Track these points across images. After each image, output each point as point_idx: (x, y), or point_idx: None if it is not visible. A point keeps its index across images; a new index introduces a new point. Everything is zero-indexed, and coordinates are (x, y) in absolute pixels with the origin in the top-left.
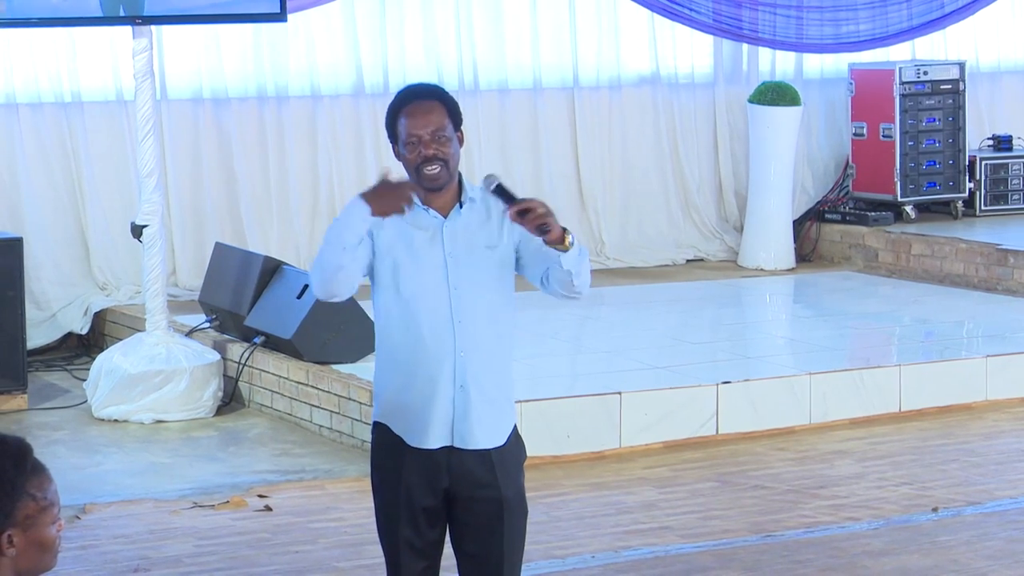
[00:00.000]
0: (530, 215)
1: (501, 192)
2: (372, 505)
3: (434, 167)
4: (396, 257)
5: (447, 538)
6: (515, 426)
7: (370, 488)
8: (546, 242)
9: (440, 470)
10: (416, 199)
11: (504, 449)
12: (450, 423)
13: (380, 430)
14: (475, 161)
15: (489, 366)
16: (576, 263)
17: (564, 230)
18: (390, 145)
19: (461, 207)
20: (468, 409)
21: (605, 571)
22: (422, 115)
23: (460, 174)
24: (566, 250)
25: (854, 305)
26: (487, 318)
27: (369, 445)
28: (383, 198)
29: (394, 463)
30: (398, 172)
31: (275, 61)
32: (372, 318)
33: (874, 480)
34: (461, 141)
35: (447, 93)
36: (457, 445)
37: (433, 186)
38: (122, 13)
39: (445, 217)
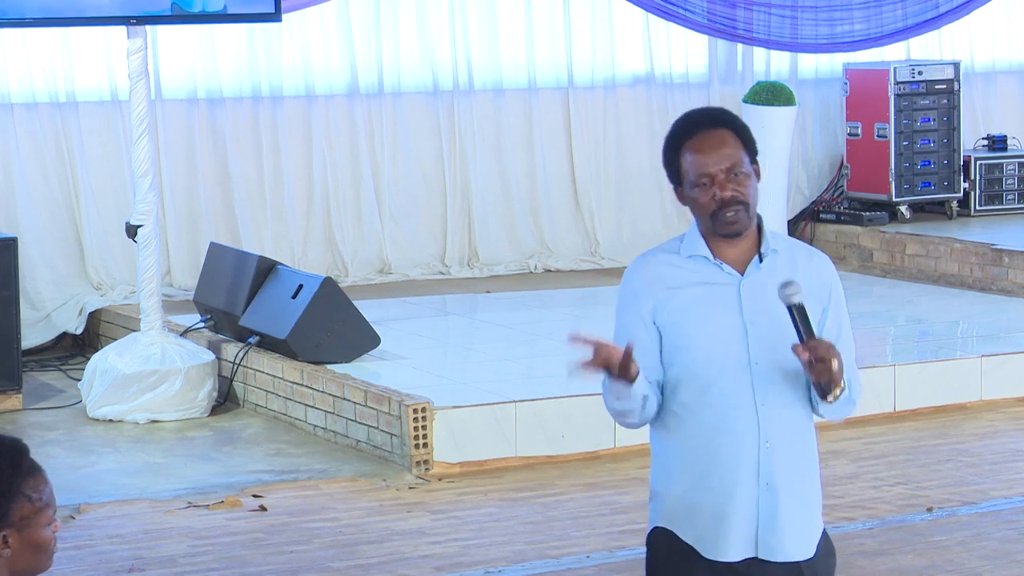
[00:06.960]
0: (819, 367)
1: (798, 315)
2: (367, 505)
3: (733, 211)
4: (683, 327)
5: None
6: (824, 531)
7: (365, 488)
8: (816, 390)
9: None
10: (707, 251)
11: (816, 561)
12: (754, 530)
13: (663, 536)
14: (469, 162)
15: (799, 458)
16: (831, 412)
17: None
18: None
19: (761, 260)
20: (776, 513)
21: (600, 571)
22: (713, 149)
23: (759, 218)
24: (828, 403)
25: (849, 305)
26: (795, 399)
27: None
28: (607, 364)
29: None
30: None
31: (270, 61)
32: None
33: (869, 480)
34: (758, 174)
35: (736, 117)
36: (763, 556)
37: (731, 232)
38: (117, 13)
39: (742, 273)
